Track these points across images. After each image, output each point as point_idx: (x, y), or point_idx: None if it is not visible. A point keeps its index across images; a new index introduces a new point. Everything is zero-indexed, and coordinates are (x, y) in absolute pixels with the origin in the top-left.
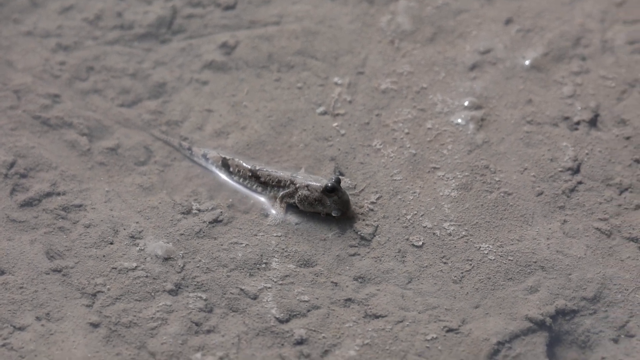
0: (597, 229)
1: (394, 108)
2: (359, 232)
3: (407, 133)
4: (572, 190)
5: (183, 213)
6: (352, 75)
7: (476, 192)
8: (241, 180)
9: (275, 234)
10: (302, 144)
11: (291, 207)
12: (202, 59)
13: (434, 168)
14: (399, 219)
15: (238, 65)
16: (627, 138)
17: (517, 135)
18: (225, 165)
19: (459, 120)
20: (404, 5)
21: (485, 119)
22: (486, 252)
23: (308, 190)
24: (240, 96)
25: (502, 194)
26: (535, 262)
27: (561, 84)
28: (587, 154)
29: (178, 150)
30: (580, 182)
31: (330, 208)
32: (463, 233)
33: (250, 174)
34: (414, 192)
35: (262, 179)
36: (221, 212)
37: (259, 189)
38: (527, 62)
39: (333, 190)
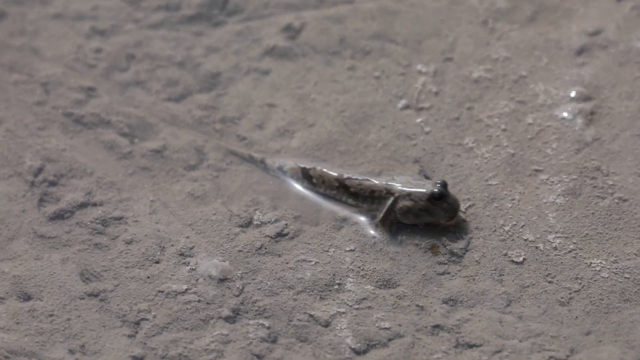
0: None
1: (488, 100)
2: (448, 247)
3: (504, 130)
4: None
5: (241, 226)
6: (439, 62)
7: (586, 199)
8: (327, 191)
9: (349, 249)
10: (380, 143)
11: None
12: (262, 44)
13: (536, 170)
14: (495, 230)
15: (304, 52)
16: None
17: (633, 131)
18: (306, 176)
19: (565, 114)
20: None
21: (595, 112)
22: (598, 269)
23: (411, 199)
24: (307, 88)
25: (617, 200)
26: None
27: None
28: None
29: (249, 162)
30: None
31: (439, 216)
32: (571, 247)
33: (337, 184)
34: (513, 199)
35: (352, 189)
36: (286, 224)
37: (350, 200)
38: None
39: (442, 197)
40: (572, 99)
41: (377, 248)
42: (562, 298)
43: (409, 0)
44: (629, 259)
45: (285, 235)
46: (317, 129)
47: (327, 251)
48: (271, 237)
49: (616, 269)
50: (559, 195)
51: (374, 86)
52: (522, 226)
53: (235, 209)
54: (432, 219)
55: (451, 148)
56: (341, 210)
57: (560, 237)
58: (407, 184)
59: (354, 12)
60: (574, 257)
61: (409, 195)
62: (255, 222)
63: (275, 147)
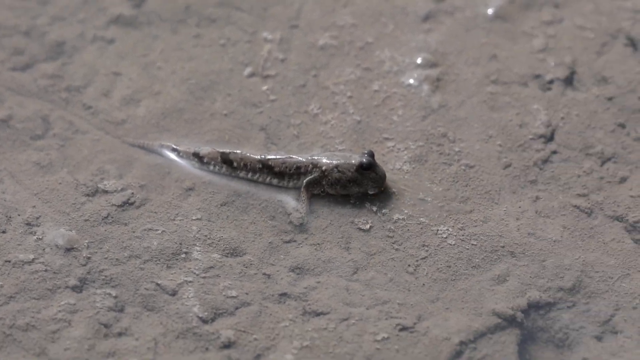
0: (575, 206)
1: (334, 67)
2: (290, 215)
3: (350, 97)
4: (546, 161)
5: (88, 195)
6: (285, 30)
7: (432, 165)
8: (250, 175)
9: (195, 217)
10: (226, 111)
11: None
12: (107, 12)
13: (384, 138)
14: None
15: (150, 20)
16: (609, 99)
17: (480, 98)
18: (226, 161)
19: (411, 81)
20: None
21: (441, 78)
22: (445, 236)
23: (339, 171)
24: (153, 56)
25: (463, 167)
26: (503, 247)
27: (531, 35)
28: (562, 118)
29: (158, 153)
30: (554, 152)
31: (367, 186)
32: (418, 213)
33: (260, 166)
34: None
35: (277, 169)
36: (132, 193)
37: (275, 180)
38: (490, 11)
39: (370, 167)
40: (418, 66)
41: (224, 217)
42: (409, 265)
43: None
44: (475, 226)
45: (132, 204)
46: (163, 97)
47: (174, 220)
48: (117, 205)
49: (463, 236)
50: (405, 162)
51: (220, 54)
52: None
53: (81, 178)
54: (359, 189)
55: (297, 116)
56: (188, 179)
57: (407, 203)
58: (333, 157)
59: None
60: (420, 224)
61: (336, 167)
62: (101, 191)
63: (121, 116)
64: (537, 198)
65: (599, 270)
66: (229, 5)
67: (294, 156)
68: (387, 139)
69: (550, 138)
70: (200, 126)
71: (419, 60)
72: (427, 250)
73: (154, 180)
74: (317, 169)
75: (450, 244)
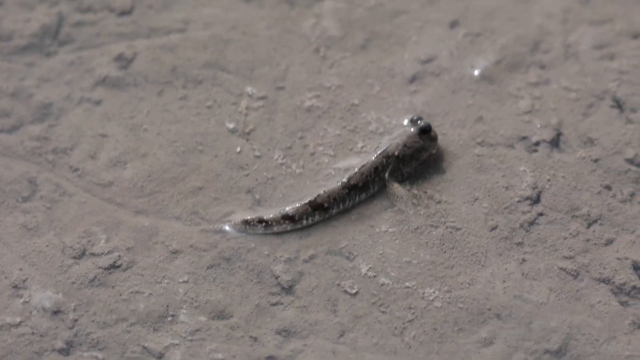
0: (561, 268)
1: (320, 129)
2: (278, 278)
3: (334, 156)
4: (532, 223)
5: (75, 257)
6: (271, 91)
7: (419, 227)
8: (341, 206)
9: (182, 280)
10: (213, 173)
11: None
12: (94, 74)
13: (370, 196)
14: (328, 261)
15: (136, 81)
16: (595, 160)
17: (466, 159)
18: (317, 207)
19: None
20: (331, 6)
21: None
22: (431, 299)
23: (406, 147)
24: (139, 118)
25: (450, 230)
26: (489, 310)
27: (517, 97)
28: (548, 180)
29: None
30: (541, 214)
31: (430, 147)
32: (404, 276)
33: (347, 191)
34: (346, 226)
35: (361, 184)
36: (119, 255)
37: (363, 196)
38: (476, 72)
39: (430, 128)
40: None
41: (210, 279)
42: (395, 328)
43: (242, 29)
44: (462, 288)
45: (119, 266)
46: (150, 159)
47: (161, 282)
48: (104, 268)
49: (449, 298)
50: (392, 224)
51: (206, 115)
52: (356, 256)
53: (68, 241)
54: (427, 154)
55: (284, 178)
56: (175, 242)
57: (394, 266)
58: (393, 141)
59: (186, 41)
60: (407, 287)
61: (405, 145)
62: (88, 254)
63: (108, 178)
64: (524, 260)
65: (585, 333)
66: (215, 66)
67: (364, 163)
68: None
69: (536, 200)
70: (188, 188)
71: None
72: (413, 313)
73: (141, 243)
74: (391, 158)
75: (437, 307)
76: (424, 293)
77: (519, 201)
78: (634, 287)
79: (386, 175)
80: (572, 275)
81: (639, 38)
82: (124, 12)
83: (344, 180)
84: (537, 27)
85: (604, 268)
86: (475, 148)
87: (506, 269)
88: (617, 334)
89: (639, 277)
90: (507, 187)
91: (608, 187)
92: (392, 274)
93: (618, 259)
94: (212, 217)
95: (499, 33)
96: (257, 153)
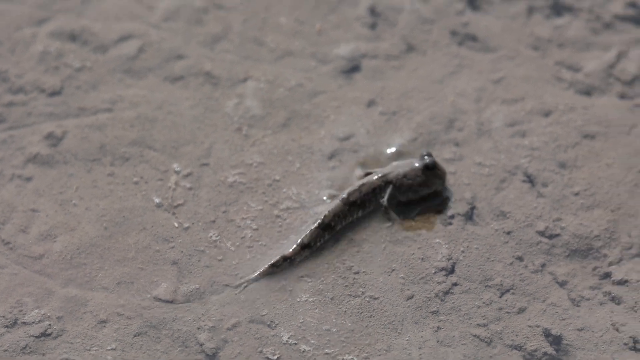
0: (475, 335)
1: (242, 203)
2: (202, 345)
3: (256, 229)
4: (447, 292)
5: (7, 326)
6: (196, 167)
7: (338, 297)
8: (343, 223)
9: (110, 348)
10: (140, 245)
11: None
12: (25, 152)
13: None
14: (250, 329)
15: (66, 159)
16: (508, 233)
17: (382, 232)
18: (326, 227)
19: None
20: (253, 87)
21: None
22: None
23: (406, 178)
24: (69, 194)
25: (368, 299)
26: None
27: None
28: (462, 251)
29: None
30: (455, 284)
31: (435, 185)
32: (324, 344)
33: (348, 208)
34: (268, 295)
35: (359, 201)
36: (50, 324)
37: (360, 212)
38: (392, 149)
39: (435, 166)
40: (324, 202)
41: (137, 346)
42: None
43: (167, 108)
44: (379, 355)
45: (49, 335)
46: (79, 233)
47: (90, 350)
48: (35, 336)
49: None
50: (312, 293)
51: (133, 191)
52: (277, 324)
53: (0, 310)
54: (429, 190)
55: (208, 249)
56: (103, 311)
57: (314, 334)
58: (396, 170)
59: (114, 120)
60: (327, 354)
61: (405, 175)
62: (20, 323)
63: (39, 250)
64: (439, 328)
65: None
66: (142, 144)
67: (364, 182)
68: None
69: (451, 271)
70: (116, 260)
71: (324, 197)
72: None
73: (71, 312)
74: (389, 184)
75: None
76: (343, 359)
77: (434, 272)
78: (545, 354)
79: (384, 201)
80: (486, 342)
81: (549, 116)
82: (54, 93)
83: (344, 196)
84: (452, 105)
85: (516, 335)
86: (388, 222)
87: (422, 337)
88: None
89: (550, 344)
90: (422, 259)
91: (520, 258)
92: (312, 341)
93: (530, 326)
94: (139, 287)
95: (414, 112)
96: (183, 226)
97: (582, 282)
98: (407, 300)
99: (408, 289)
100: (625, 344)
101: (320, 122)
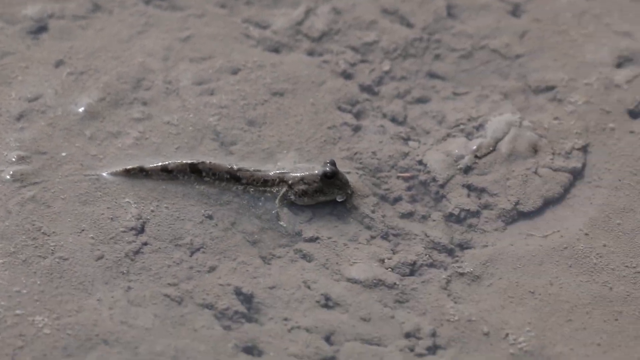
0: (166, 295)
1: None
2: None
3: None
4: (137, 252)
5: None
6: None
7: (28, 258)
8: (217, 183)
9: None
10: None
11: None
12: None
13: None
14: None
15: None
16: (203, 194)
17: (73, 192)
18: (195, 171)
19: (7, 177)
20: None
21: (35, 174)
22: (41, 326)
23: (304, 183)
24: None
25: (58, 260)
26: (97, 335)
27: (122, 133)
28: (152, 210)
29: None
30: (145, 243)
31: (334, 194)
32: (14, 305)
33: (228, 176)
34: None
35: (244, 181)
36: None
37: (240, 188)
38: (80, 109)
39: (334, 175)
40: (13, 162)
41: None
42: (6, 355)
43: None
44: (70, 316)
45: None
46: None
47: None
48: None
49: (58, 325)
50: (1, 255)
51: None
52: None
53: None
54: (326, 198)
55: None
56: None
57: (4, 296)
58: (297, 171)
59: None
60: (17, 315)
61: (302, 180)
62: None
63: None
64: (129, 288)
65: (190, 357)
66: None
67: (261, 169)
68: None
69: (141, 230)
70: None
71: (13, 158)
72: (24, 340)
73: None
74: (284, 183)
75: (46, 334)
76: (33, 320)
77: (124, 231)
78: (236, 312)
79: (277, 199)
80: (177, 301)
81: (237, 74)
82: None
83: (234, 167)
84: (139, 65)
85: (207, 294)
86: (83, 182)
87: (112, 297)
88: (221, 357)
89: (241, 302)
90: (112, 219)
91: (210, 217)
92: (2, 302)
93: (220, 285)
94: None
95: (102, 71)
96: None
97: (274, 241)
98: (97, 260)
99: (98, 249)
100: (317, 302)
101: (9, 83)
